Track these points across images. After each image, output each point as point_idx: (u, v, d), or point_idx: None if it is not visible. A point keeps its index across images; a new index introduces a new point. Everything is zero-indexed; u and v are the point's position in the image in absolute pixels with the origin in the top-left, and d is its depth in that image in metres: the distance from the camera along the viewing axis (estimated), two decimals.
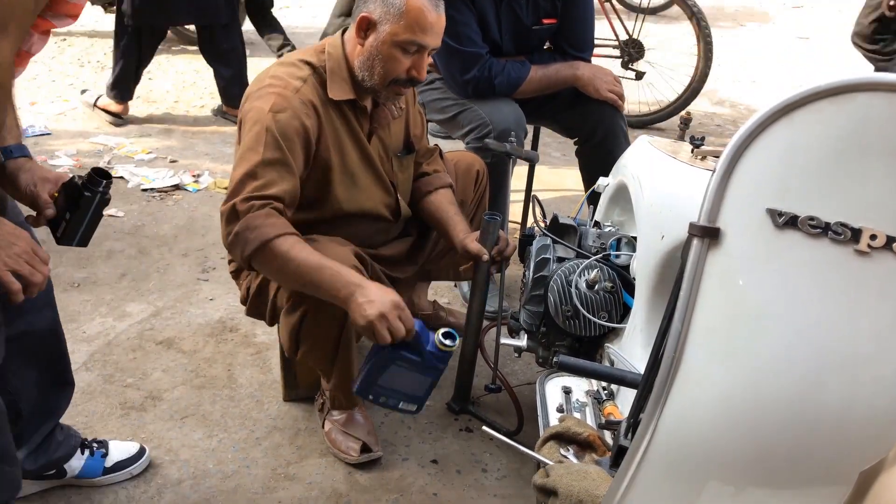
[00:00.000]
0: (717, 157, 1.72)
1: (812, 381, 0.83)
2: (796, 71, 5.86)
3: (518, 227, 3.30)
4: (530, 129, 2.96)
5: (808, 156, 0.81)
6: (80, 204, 1.45)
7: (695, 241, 0.86)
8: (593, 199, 2.29)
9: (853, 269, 0.79)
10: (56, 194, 1.45)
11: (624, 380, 1.40)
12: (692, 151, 1.71)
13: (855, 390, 0.81)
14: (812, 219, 0.80)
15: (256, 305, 1.98)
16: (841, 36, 6.94)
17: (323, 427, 2.09)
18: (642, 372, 1.58)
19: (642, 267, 1.62)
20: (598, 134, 2.68)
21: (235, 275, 2.12)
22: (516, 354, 2.03)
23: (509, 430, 2.11)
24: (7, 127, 1.41)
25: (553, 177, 3.85)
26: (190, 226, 3.21)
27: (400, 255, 2.18)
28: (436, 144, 2.28)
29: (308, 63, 1.88)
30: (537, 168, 3.43)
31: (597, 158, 2.71)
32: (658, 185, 1.65)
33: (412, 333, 1.68)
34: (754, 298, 0.84)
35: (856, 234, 0.78)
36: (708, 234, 0.84)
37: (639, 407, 1.00)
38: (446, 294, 2.85)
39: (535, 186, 3.42)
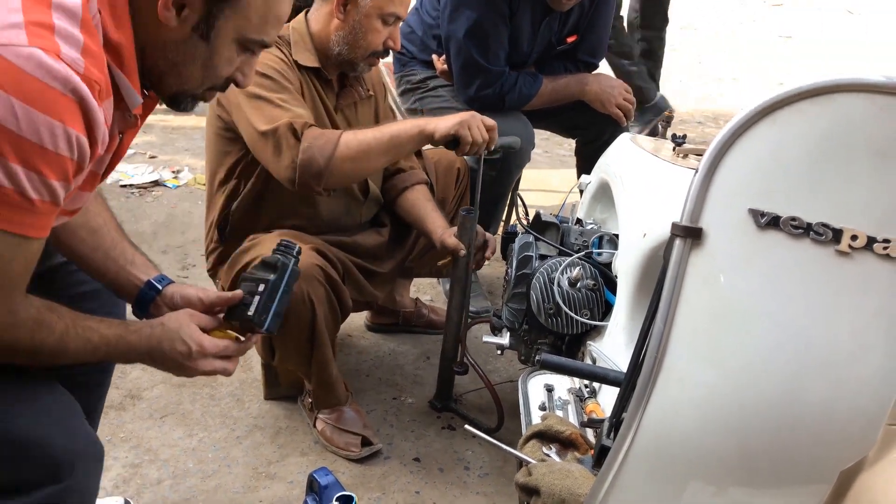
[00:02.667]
0: (699, 155, 1.73)
1: (794, 380, 0.83)
2: (778, 69, 5.91)
3: (501, 224, 3.30)
4: None
5: (790, 156, 0.81)
6: (276, 267, 1.32)
7: (677, 241, 0.85)
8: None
9: (834, 270, 0.80)
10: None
11: (606, 378, 1.40)
12: (674, 150, 1.71)
13: (836, 390, 0.82)
14: (794, 219, 0.80)
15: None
16: (822, 34, 7.03)
17: (315, 426, 2.07)
18: (625, 370, 1.59)
19: (624, 265, 1.62)
20: (605, 136, 2.63)
21: (213, 273, 2.10)
22: (498, 352, 2.02)
23: (490, 426, 2.11)
24: (130, 262, 1.33)
25: (537, 176, 3.85)
26: (170, 223, 3.17)
27: (378, 247, 2.16)
28: None
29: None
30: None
31: (597, 159, 2.70)
32: (640, 183, 1.65)
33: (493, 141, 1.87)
34: (737, 299, 0.84)
35: (837, 234, 0.79)
36: (690, 234, 0.84)
37: (621, 406, 0.99)
38: (429, 291, 2.84)
39: (519, 186, 3.44)
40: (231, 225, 2.00)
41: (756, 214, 0.81)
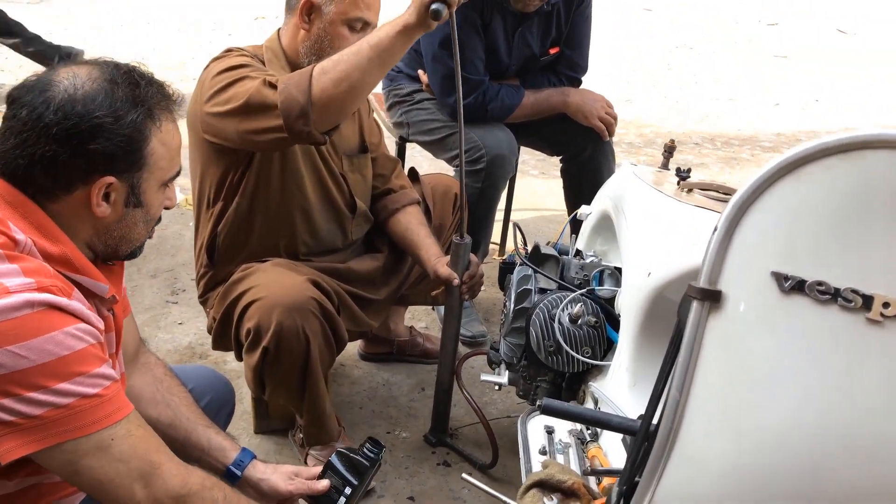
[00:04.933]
0: (704, 190, 1.69)
1: (819, 455, 0.77)
2: (775, 88, 5.90)
3: (497, 247, 3.25)
4: None
5: (816, 216, 0.76)
6: (361, 472, 1.44)
7: (694, 304, 0.80)
8: (575, 224, 2.24)
9: (864, 338, 0.74)
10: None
11: (610, 424, 1.34)
12: (678, 184, 1.66)
13: (865, 467, 0.76)
14: (820, 284, 0.74)
15: (221, 337, 1.90)
16: (817, 54, 7.04)
17: (306, 463, 2.01)
18: (628, 415, 1.53)
19: (628, 304, 1.56)
20: (587, 151, 2.63)
21: (204, 301, 2.04)
22: (496, 388, 1.96)
23: (485, 463, 2.05)
24: (216, 446, 1.44)
25: (532, 196, 3.80)
26: (160, 245, 3.11)
27: (373, 273, 2.11)
28: (397, 158, 2.23)
29: (244, 51, 1.87)
30: (515, 187, 3.39)
31: (583, 177, 2.67)
32: (643, 219, 1.60)
33: None
34: (758, 366, 0.79)
35: (867, 301, 0.73)
36: (709, 297, 0.79)
37: (630, 474, 0.93)
38: (424, 318, 2.78)
39: (513, 206, 3.39)
40: (220, 248, 1.95)
41: (779, 278, 0.76)
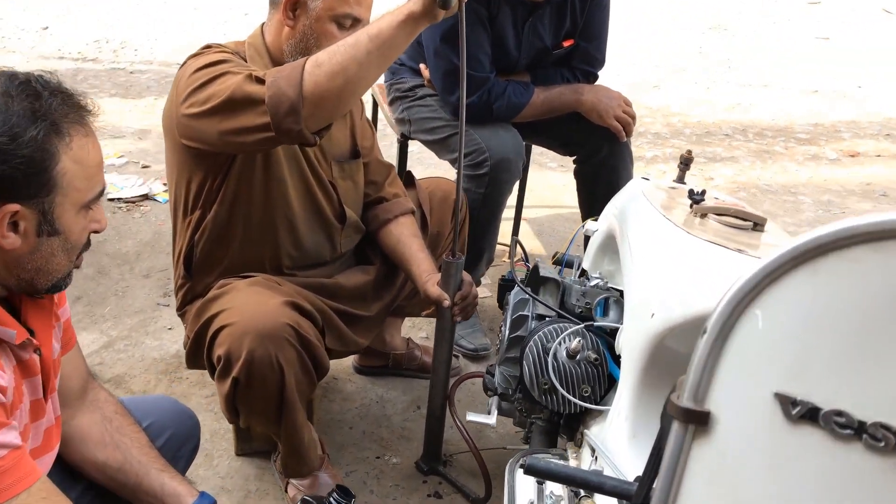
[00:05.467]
0: (719, 215, 1.50)
1: None
2: (813, 73, 5.58)
3: (507, 249, 3.08)
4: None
5: (837, 323, 0.58)
6: None
7: (675, 426, 0.63)
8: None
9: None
10: None
11: (603, 488, 1.18)
12: (691, 207, 1.47)
13: None
14: (840, 414, 0.57)
15: (194, 357, 1.77)
16: (860, 36, 6.66)
17: (286, 492, 1.88)
18: (627, 469, 1.37)
19: (629, 346, 1.39)
20: (602, 153, 2.44)
21: (182, 314, 1.91)
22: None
23: (479, 496, 1.91)
24: (169, 492, 1.33)
25: (548, 192, 3.61)
26: (155, 242, 2.99)
27: (363, 287, 1.97)
28: (391, 164, 2.07)
29: (224, 48, 1.72)
30: (530, 181, 3.21)
31: (598, 181, 2.49)
32: (648, 250, 1.42)
33: None
34: None
35: None
36: (694, 419, 0.62)
37: None
38: (425, 327, 2.63)
39: (528, 202, 3.20)
40: (197, 259, 1.81)
41: (786, 402, 0.59)
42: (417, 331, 2.60)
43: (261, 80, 1.48)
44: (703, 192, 1.48)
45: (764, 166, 3.98)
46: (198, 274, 1.83)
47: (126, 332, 2.49)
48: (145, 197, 3.29)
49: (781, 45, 6.38)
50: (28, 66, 4.82)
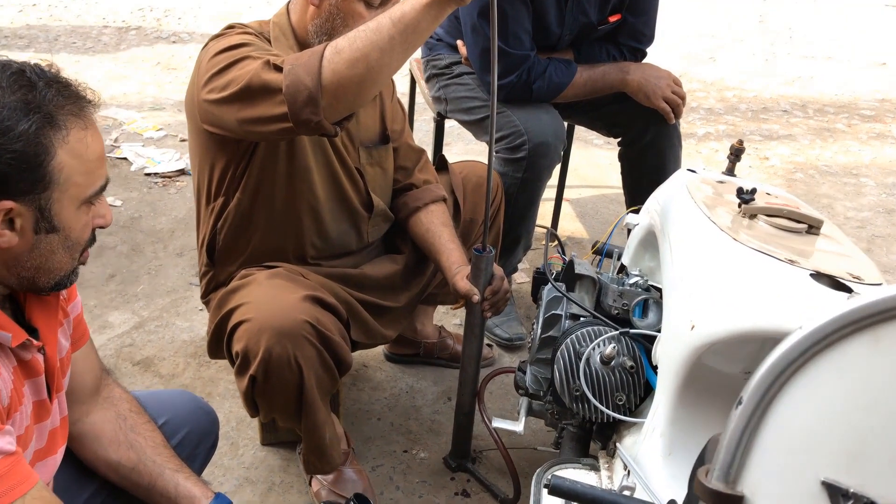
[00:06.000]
0: (770, 216, 1.38)
1: None
2: (882, 46, 5.27)
3: (544, 230, 2.97)
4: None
5: None
6: None
7: None
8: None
9: None
10: None
11: None
12: (739, 206, 1.35)
13: None
14: None
15: (215, 350, 1.72)
16: None
17: (310, 486, 1.84)
18: (661, 489, 1.28)
19: (666, 357, 1.29)
20: (649, 134, 2.31)
21: (206, 301, 1.87)
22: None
23: (507, 496, 1.84)
24: (183, 493, 1.30)
25: (593, 170, 3.48)
26: (189, 219, 2.96)
27: (392, 278, 1.89)
28: (422, 148, 1.98)
29: (248, 28, 1.64)
30: (574, 159, 3.08)
31: (644, 165, 2.36)
32: (690, 254, 1.31)
33: None
34: None
35: None
36: (724, 503, 0.53)
37: None
38: (458, 315, 2.55)
39: (571, 181, 3.08)
40: (220, 247, 1.76)
41: (835, 493, 0.49)
42: (451, 318, 2.53)
43: (279, 68, 1.40)
44: (754, 191, 1.36)
45: (824, 145, 3.77)
46: (221, 262, 1.79)
47: (157, 312, 2.47)
48: (182, 172, 3.27)
49: (847, 13, 6.03)
50: (69, 35, 4.83)
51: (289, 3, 1.71)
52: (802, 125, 3.98)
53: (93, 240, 1.12)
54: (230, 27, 1.65)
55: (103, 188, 1.08)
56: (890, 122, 4.05)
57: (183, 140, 3.56)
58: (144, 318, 2.44)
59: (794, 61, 4.87)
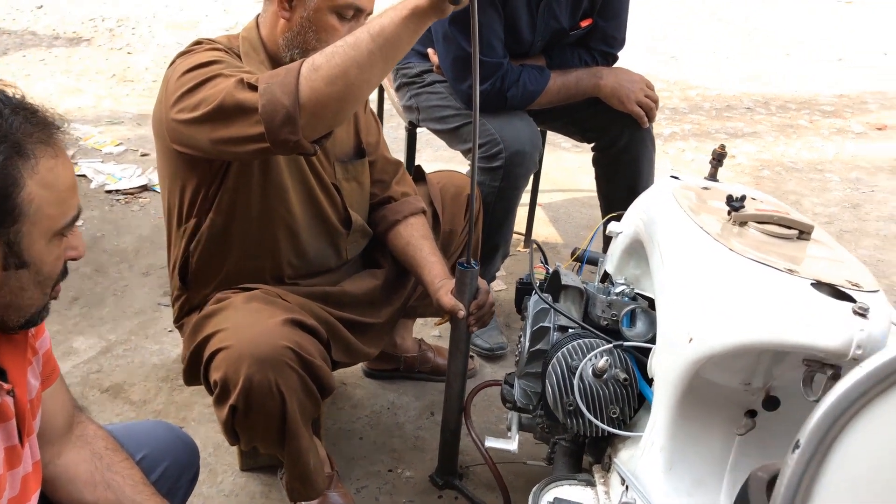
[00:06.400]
0: (760, 223, 1.36)
1: None
2: (837, 40, 5.36)
3: (521, 238, 2.95)
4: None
5: None
6: None
7: None
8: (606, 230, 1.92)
9: None
10: None
11: None
12: (728, 214, 1.33)
13: None
14: None
15: (191, 377, 1.66)
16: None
17: None
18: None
19: (663, 370, 1.27)
20: (623, 139, 2.29)
21: (180, 325, 1.80)
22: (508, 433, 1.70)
23: None
24: None
25: (563, 174, 3.46)
26: (154, 237, 2.87)
27: (371, 294, 1.85)
28: (399, 160, 1.94)
29: (216, 44, 1.58)
30: (543, 163, 3.05)
31: (619, 170, 2.34)
32: (683, 264, 1.28)
33: None
34: None
35: None
36: None
37: None
38: (438, 327, 2.51)
39: (542, 186, 3.06)
40: (192, 269, 1.70)
41: None
42: (431, 330, 2.48)
43: (253, 86, 1.34)
44: (744, 198, 1.34)
45: (788, 142, 3.81)
46: (194, 285, 1.72)
47: (125, 335, 2.38)
48: (144, 188, 3.17)
49: (802, 9, 6.14)
50: (18, 48, 4.68)
51: (258, 16, 1.66)
52: (766, 122, 4.03)
53: (65, 273, 1.05)
54: (198, 43, 1.59)
55: (76, 219, 1.01)
56: (849, 118, 4.11)
57: (144, 155, 3.46)
58: (111, 343, 2.35)
59: (754, 59, 4.93)
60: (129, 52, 4.56)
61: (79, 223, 1.05)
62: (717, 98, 4.30)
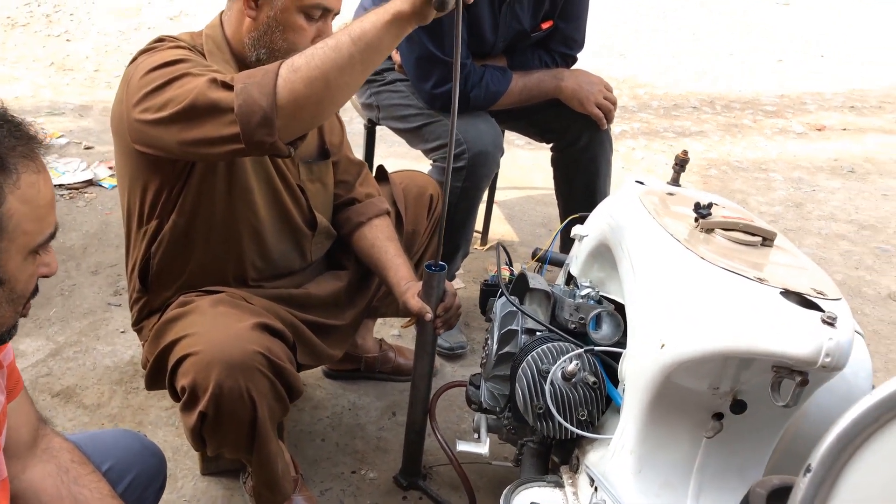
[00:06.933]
0: (727, 230, 1.40)
1: None
2: (776, 41, 5.53)
3: (479, 235, 2.96)
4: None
5: None
6: None
7: None
8: (566, 232, 1.94)
9: None
10: None
11: None
12: (696, 221, 1.37)
13: None
14: None
15: (154, 382, 1.62)
16: (822, 1, 6.64)
17: None
18: None
19: (634, 375, 1.29)
20: (582, 141, 2.33)
21: (139, 329, 1.76)
22: (475, 435, 1.71)
23: None
24: None
25: (517, 172, 3.49)
26: (102, 234, 2.79)
27: (336, 295, 1.84)
28: (362, 161, 1.93)
29: (179, 41, 1.55)
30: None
31: (577, 170, 2.38)
32: (653, 270, 1.31)
33: None
34: None
35: None
36: None
37: None
38: (397, 324, 2.51)
39: (496, 184, 3.08)
40: (154, 271, 1.65)
41: None
42: (389, 328, 2.48)
43: (227, 86, 1.32)
44: (710, 205, 1.38)
45: (734, 141, 3.91)
46: (155, 288, 1.68)
47: (75, 337, 2.31)
48: (90, 183, 3.07)
49: (743, 10, 6.30)
50: None
51: (221, 13, 1.62)
52: (712, 121, 4.13)
53: (36, 290, 1.02)
54: (160, 40, 1.55)
55: (52, 236, 0.99)
56: (791, 118, 4.25)
57: (88, 148, 3.35)
58: (61, 344, 2.28)
59: (700, 58, 5.05)
60: (67, 39, 4.40)
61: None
62: (665, 97, 4.39)
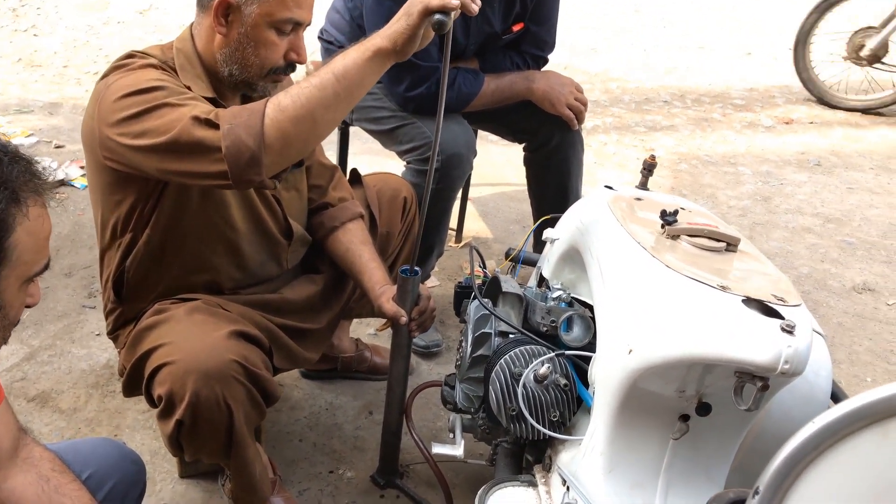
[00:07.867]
0: (692, 237, 1.44)
1: None
2: (747, 33, 5.60)
3: (454, 233, 2.99)
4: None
5: None
6: None
7: None
8: (539, 233, 1.98)
9: None
10: None
11: None
12: (662, 227, 1.41)
13: None
14: None
15: (131, 389, 1.63)
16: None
17: None
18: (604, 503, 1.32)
19: (603, 378, 1.33)
20: (554, 140, 2.36)
21: (114, 337, 1.77)
22: (451, 434, 1.74)
23: None
24: None
25: (490, 168, 3.52)
26: (75, 235, 2.78)
27: (311, 299, 1.86)
28: (335, 165, 1.95)
29: (150, 58, 1.55)
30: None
31: (549, 170, 2.41)
32: (623, 278, 1.35)
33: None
34: None
35: None
36: None
37: None
38: (373, 323, 2.53)
39: (470, 181, 3.10)
40: (128, 284, 1.66)
41: None
42: (365, 328, 2.50)
43: (212, 123, 1.33)
44: (676, 212, 1.42)
45: (704, 135, 3.98)
46: (130, 299, 1.69)
47: (49, 340, 2.31)
48: (62, 183, 3.05)
49: (713, 3, 6.37)
50: None
51: (192, 26, 1.62)
52: (682, 115, 4.19)
53: (18, 321, 1.07)
54: (130, 56, 1.54)
55: (46, 267, 1.04)
56: (759, 111, 4.32)
57: (59, 147, 3.32)
58: (35, 348, 2.27)
59: (670, 52, 5.10)
60: (35, 35, 4.34)
61: None
62: (636, 91, 4.44)
